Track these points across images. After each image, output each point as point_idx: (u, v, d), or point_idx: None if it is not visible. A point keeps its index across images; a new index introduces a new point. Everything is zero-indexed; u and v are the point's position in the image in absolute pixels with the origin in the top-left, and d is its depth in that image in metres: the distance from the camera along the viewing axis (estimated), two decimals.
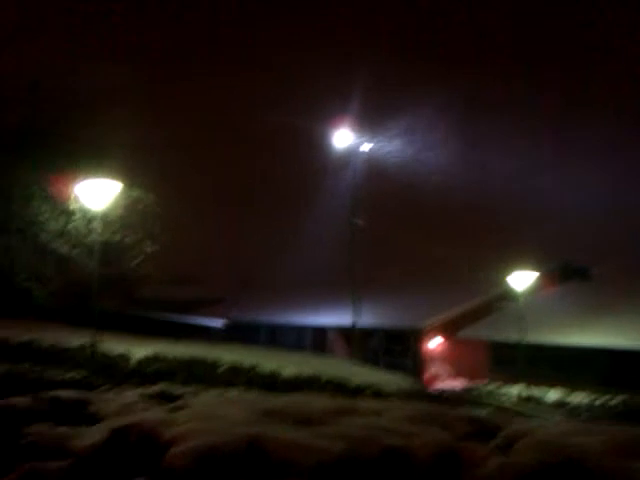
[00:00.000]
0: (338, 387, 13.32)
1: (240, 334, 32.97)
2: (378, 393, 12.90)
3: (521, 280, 19.55)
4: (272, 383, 13.19)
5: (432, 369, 29.54)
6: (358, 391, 13.10)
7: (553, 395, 18.74)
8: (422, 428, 4.88)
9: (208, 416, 4.83)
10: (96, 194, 9.68)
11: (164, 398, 6.97)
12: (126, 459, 4.23)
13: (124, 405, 6.07)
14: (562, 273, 26.96)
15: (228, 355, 15.74)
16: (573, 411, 17.00)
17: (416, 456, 4.13)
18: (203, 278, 39.72)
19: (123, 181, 10.03)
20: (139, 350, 14.17)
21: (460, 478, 3.90)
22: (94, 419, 5.62)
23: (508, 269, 22.47)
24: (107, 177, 9.70)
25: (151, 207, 10.82)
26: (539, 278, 21.32)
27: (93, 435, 4.68)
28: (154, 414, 5.23)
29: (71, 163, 10.51)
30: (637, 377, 19.95)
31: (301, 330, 35.59)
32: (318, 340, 33.86)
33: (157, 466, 3.95)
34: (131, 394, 7.32)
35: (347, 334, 31.53)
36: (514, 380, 21.74)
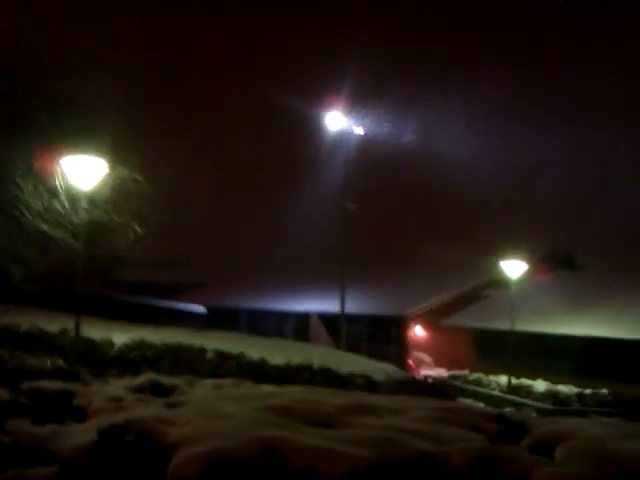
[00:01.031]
0: (328, 376, 12.89)
1: (220, 320, 32.36)
2: (370, 382, 12.49)
3: (513, 268, 19.26)
4: (261, 371, 12.72)
5: (415, 356, 29.33)
6: (349, 380, 12.69)
7: (541, 385, 18.53)
8: (449, 429, 4.44)
9: (212, 414, 4.32)
10: (82, 172, 9.05)
11: (155, 390, 6.44)
12: (122, 464, 3.71)
13: (112, 398, 5.53)
14: (548, 262, 26.79)
15: (213, 342, 15.21)
16: (564, 401, 16.81)
17: (452, 463, 3.67)
18: (186, 261, 38.94)
19: (111, 159, 9.38)
20: (122, 335, 13.59)
21: None
22: (80, 414, 5.09)
23: (495, 257, 22.22)
24: (94, 154, 9.06)
25: (140, 187, 10.16)
26: (530, 267, 21.10)
27: (81, 435, 4.16)
28: (150, 410, 4.72)
29: (56, 138, 9.79)
30: (620, 367, 19.88)
31: (283, 316, 35.14)
32: (300, 327, 33.41)
33: (160, 474, 3.44)
34: (119, 385, 6.79)
35: (329, 321, 31.16)
36: (497, 369, 21.55)
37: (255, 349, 14.74)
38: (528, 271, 21.10)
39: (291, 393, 5.38)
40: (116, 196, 10.20)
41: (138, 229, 10.31)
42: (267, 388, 6.71)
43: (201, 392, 5.96)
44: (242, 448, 3.49)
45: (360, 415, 4.54)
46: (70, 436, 4.11)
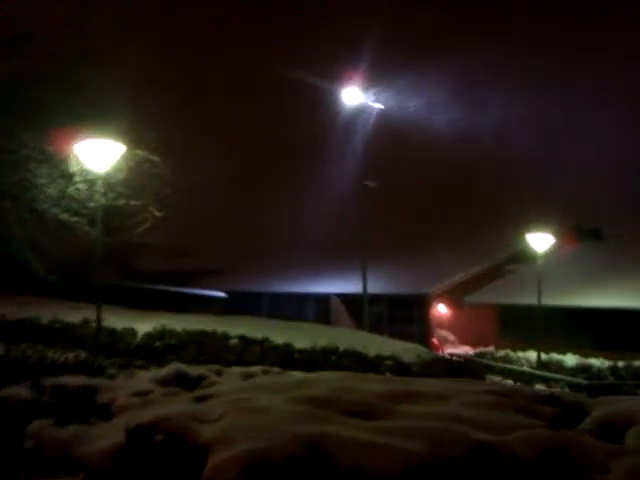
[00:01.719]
0: (356, 358, 12.59)
1: (241, 305, 32.27)
2: (399, 364, 12.18)
3: (540, 242, 18.74)
4: (287, 356, 12.46)
5: (439, 335, 29.00)
6: (377, 362, 12.38)
7: (572, 359, 18.10)
8: (504, 415, 4.08)
9: (245, 408, 4.00)
10: (98, 155, 8.75)
11: (182, 381, 6.16)
12: (152, 468, 3.41)
13: (138, 392, 5.25)
14: (575, 234, 26.19)
15: (236, 327, 14.99)
16: (597, 375, 16.39)
17: (515, 454, 3.32)
18: (204, 247, 38.71)
19: (128, 140, 9.08)
20: (143, 324, 13.40)
21: None
22: (105, 411, 4.81)
23: (520, 231, 21.70)
24: (110, 136, 8.76)
25: (158, 169, 9.80)
26: (557, 240, 20.55)
27: (107, 436, 3.86)
28: (178, 405, 4.41)
29: (71, 120, 9.48)
30: None
31: (303, 299, 34.93)
32: (321, 309, 33.18)
33: (195, 478, 3.13)
34: (143, 377, 6.51)
35: (350, 302, 30.87)
36: (524, 345, 21.13)
37: (279, 333, 14.50)
38: (555, 244, 20.56)
39: (326, 380, 5.05)
40: (133, 178, 9.88)
41: (157, 212, 10.00)
42: (299, 375, 6.40)
43: (230, 382, 5.66)
44: (283, 447, 3.16)
45: (405, 403, 4.20)
46: (95, 438, 3.82)
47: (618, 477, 2.97)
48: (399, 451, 3.18)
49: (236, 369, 6.82)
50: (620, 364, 16.99)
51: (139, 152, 9.67)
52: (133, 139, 9.53)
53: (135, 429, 3.73)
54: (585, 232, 27.31)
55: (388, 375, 10.76)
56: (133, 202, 9.88)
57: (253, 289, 36.79)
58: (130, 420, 3.96)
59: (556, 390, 10.28)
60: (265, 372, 7.09)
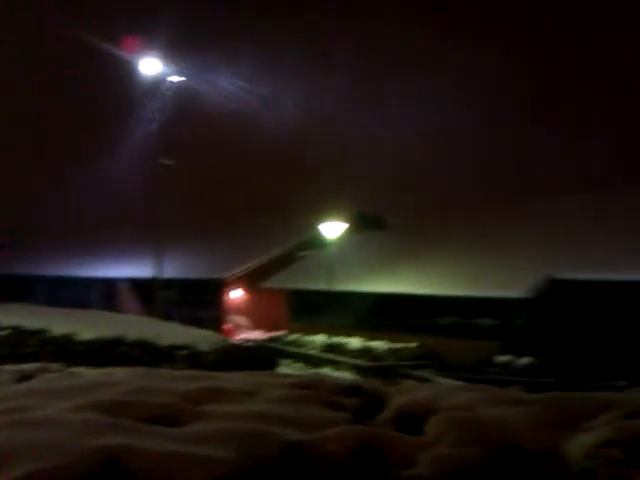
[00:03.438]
0: (147, 349, 11.97)
1: (13, 290, 29.21)
2: (194, 353, 11.82)
3: (330, 230, 19.59)
4: (69, 349, 11.41)
5: (232, 320, 29.04)
6: (171, 352, 11.90)
7: (356, 342, 19.20)
8: (311, 409, 4.00)
9: (26, 419, 3.42)
10: None
11: None
12: None
13: None
14: (358, 223, 27.76)
15: (7, 317, 13.41)
16: (379, 357, 17.56)
17: (328, 452, 3.23)
18: None
19: None
20: None
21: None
22: None
23: (311, 218, 22.57)
24: None
25: None
26: (345, 227, 21.63)
27: None
28: None
29: None
30: (427, 321, 21.33)
31: (88, 284, 32.70)
32: (107, 295, 31.35)
33: None
34: None
35: (140, 287, 29.60)
36: (314, 329, 22.02)
37: (59, 323, 13.29)
38: (344, 232, 21.65)
39: (119, 381, 4.57)
40: None
41: None
42: (86, 374, 5.77)
43: (3, 386, 4.88)
44: (74, 465, 2.71)
45: (212, 402, 3.93)
46: None
47: (423, 470, 3.01)
48: (207, 460, 2.91)
49: (8, 367, 5.96)
50: (398, 346, 18.39)
51: None
52: None
53: None
54: (368, 220, 29.13)
55: (184, 367, 10.38)
56: None
57: (29, 272, 33.56)
58: None
59: (357, 379, 10.73)
60: (44, 370, 6.31)
